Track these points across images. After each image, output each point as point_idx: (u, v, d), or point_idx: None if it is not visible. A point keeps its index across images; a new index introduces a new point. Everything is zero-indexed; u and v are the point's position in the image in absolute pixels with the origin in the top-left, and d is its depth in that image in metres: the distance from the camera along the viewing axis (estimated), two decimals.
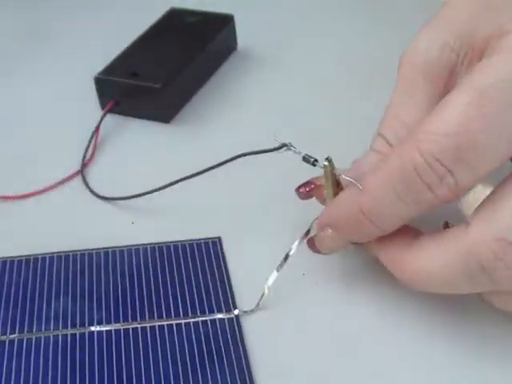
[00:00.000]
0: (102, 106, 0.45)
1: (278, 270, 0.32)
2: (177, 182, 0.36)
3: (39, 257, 0.35)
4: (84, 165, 0.41)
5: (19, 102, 0.48)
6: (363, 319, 0.31)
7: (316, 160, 0.31)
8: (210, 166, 0.35)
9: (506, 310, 0.29)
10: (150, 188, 0.37)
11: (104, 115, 0.44)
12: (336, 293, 0.33)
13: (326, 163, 0.31)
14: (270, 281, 0.32)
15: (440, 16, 0.31)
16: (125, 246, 0.35)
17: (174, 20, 0.49)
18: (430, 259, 0.29)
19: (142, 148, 0.43)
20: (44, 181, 0.40)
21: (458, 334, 0.30)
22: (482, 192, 0.30)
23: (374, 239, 0.31)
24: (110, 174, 0.41)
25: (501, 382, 0.29)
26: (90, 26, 0.55)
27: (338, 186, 0.31)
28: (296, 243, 0.33)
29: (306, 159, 0.32)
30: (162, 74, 0.44)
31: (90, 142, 0.42)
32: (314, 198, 0.34)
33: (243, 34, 0.50)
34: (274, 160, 0.33)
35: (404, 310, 0.31)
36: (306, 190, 0.34)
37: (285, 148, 0.32)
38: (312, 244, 0.33)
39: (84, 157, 0.41)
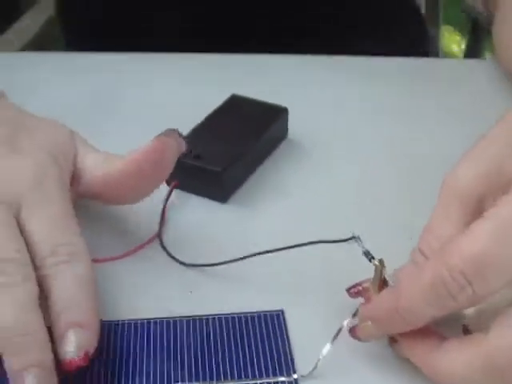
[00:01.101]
0: (168, 183, 0.50)
1: (331, 343, 0.37)
2: (252, 255, 0.41)
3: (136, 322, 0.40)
4: (155, 235, 0.46)
5: None
6: None
7: (373, 257, 0.37)
8: (281, 247, 0.40)
9: None
10: (210, 258, 0.42)
11: (169, 194, 0.49)
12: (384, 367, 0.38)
13: (378, 263, 0.37)
14: (324, 351, 0.37)
15: (478, 149, 0.37)
16: (202, 315, 0.40)
17: (234, 106, 0.55)
18: (454, 361, 0.34)
19: (202, 223, 0.48)
20: (124, 247, 0.45)
21: None
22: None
23: (406, 343, 0.36)
24: (174, 244, 0.46)
25: None
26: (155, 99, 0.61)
27: (383, 284, 0.37)
28: (346, 321, 0.38)
29: (365, 254, 0.38)
30: (222, 158, 0.49)
31: (161, 216, 0.47)
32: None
33: (294, 124, 0.56)
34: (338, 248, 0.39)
35: None
36: (355, 292, 0.39)
37: (353, 239, 0.38)
38: (354, 332, 0.38)
39: (160, 226, 0.47)
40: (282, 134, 0.55)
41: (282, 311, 0.41)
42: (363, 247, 0.38)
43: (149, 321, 0.40)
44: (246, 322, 0.40)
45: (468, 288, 0.32)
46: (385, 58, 0.68)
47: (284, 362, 0.37)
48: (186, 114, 0.53)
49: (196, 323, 0.40)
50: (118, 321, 0.40)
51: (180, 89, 0.62)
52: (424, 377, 0.36)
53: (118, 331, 0.39)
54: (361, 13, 0.83)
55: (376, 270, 0.37)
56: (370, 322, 0.37)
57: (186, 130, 0.52)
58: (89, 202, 0.46)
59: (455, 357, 0.34)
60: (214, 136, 0.52)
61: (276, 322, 0.40)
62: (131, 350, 0.38)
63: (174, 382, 0.36)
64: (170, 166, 0.43)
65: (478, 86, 0.64)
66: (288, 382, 0.37)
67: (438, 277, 0.33)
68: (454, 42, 2.17)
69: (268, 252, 0.41)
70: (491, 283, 0.32)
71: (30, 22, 1.09)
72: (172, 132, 0.43)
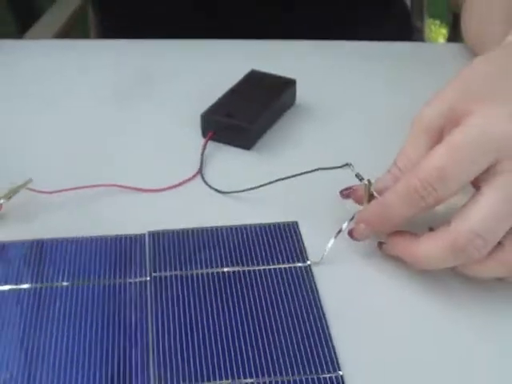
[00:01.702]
0: (204, 135, 0.64)
1: (334, 237, 0.52)
2: (269, 183, 0.56)
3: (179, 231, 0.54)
4: (198, 172, 0.60)
5: (144, 127, 0.67)
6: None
7: (363, 178, 0.51)
8: (292, 174, 0.54)
9: (474, 276, 0.48)
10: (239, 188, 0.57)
11: (206, 143, 0.63)
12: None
13: (367, 183, 0.51)
14: (329, 244, 0.51)
15: (439, 94, 0.51)
16: (231, 225, 0.54)
17: (253, 79, 0.69)
18: (428, 247, 0.48)
19: (232, 164, 0.62)
20: (172, 180, 0.59)
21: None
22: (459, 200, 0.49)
23: (391, 242, 0.51)
24: (213, 179, 0.60)
25: None
26: (188, 76, 0.75)
27: (371, 198, 0.51)
28: (345, 224, 0.52)
29: (357, 176, 0.52)
30: (247, 116, 0.63)
31: (201, 157, 0.62)
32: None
33: (300, 93, 0.70)
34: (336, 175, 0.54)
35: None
36: (346, 193, 0.54)
37: (346, 166, 0.52)
38: (351, 233, 0.52)
39: (201, 165, 0.61)
40: (291, 100, 0.69)
41: (297, 222, 0.55)
42: (355, 171, 0.52)
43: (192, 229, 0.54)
44: (269, 230, 0.54)
45: (433, 192, 0.46)
46: (381, 43, 0.82)
47: (299, 252, 0.52)
48: (216, 85, 0.67)
49: (228, 231, 0.54)
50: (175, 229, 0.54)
51: (208, 67, 0.76)
52: (404, 266, 0.50)
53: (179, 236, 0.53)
54: (348, 9, 0.96)
55: (365, 188, 0.51)
56: (363, 225, 0.51)
57: (218, 96, 0.66)
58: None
59: (429, 243, 0.48)
60: (239, 100, 0.66)
61: (292, 229, 0.54)
62: (187, 243, 0.52)
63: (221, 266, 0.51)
64: None
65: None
66: (303, 266, 0.51)
67: (412, 186, 0.47)
68: (440, 35, 2.31)
69: (282, 179, 0.56)
70: (450, 188, 0.46)
71: (52, 20, 1.21)
72: None
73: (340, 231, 0.52)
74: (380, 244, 0.52)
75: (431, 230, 0.50)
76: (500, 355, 0.46)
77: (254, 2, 0.90)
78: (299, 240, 0.53)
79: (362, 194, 0.52)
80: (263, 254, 0.52)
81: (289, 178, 0.55)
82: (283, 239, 0.53)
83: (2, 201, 0.56)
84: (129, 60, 0.78)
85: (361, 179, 0.52)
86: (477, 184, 0.47)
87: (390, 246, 0.51)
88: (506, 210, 0.46)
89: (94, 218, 0.56)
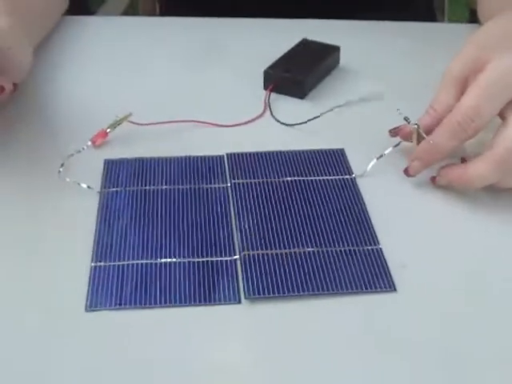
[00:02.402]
0: (265, 87, 0.79)
1: (377, 159, 0.66)
2: (318, 116, 0.70)
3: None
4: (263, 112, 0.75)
5: (219, 83, 0.82)
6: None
7: (411, 121, 0.66)
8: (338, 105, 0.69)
9: None
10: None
11: (270, 92, 0.78)
12: None
13: (416, 126, 0.65)
14: (371, 164, 0.66)
15: (462, 50, 0.65)
16: (288, 151, 0.69)
17: (305, 45, 0.84)
18: (478, 167, 0.61)
19: (290, 109, 0.77)
20: (241, 118, 0.74)
21: None
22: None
23: (443, 174, 0.64)
24: (277, 117, 0.74)
25: None
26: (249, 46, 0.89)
27: (420, 139, 0.65)
28: (388, 150, 0.66)
29: (405, 119, 0.66)
30: (301, 72, 0.78)
31: (265, 102, 0.76)
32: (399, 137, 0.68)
33: (342, 58, 0.84)
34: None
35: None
36: (395, 132, 0.68)
37: (398, 112, 0.66)
38: (407, 171, 0.66)
39: (266, 106, 0.76)
40: (335, 63, 0.84)
41: (343, 149, 0.69)
42: (403, 115, 0.66)
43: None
44: (321, 154, 0.69)
45: (472, 123, 0.61)
46: (408, 23, 0.96)
47: (346, 168, 0.66)
48: (275, 51, 0.82)
49: (289, 154, 0.69)
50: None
51: (268, 37, 0.91)
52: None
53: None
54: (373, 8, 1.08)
55: (415, 130, 0.65)
56: (417, 162, 0.65)
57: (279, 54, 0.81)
58: None
59: (477, 165, 0.61)
60: (294, 60, 0.80)
61: (340, 153, 0.69)
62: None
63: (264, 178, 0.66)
64: None
65: None
66: (348, 178, 0.65)
67: (455, 121, 0.61)
68: None
69: (330, 110, 0.71)
70: (484, 119, 0.61)
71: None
72: None
73: (382, 155, 0.66)
74: (433, 178, 0.65)
75: (463, 160, 0.64)
76: None
77: None
78: (346, 161, 0.68)
79: (408, 131, 0.66)
80: (318, 169, 0.67)
81: (337, 107, 0.71)
82: (333, 160, 0.68)
83: (108, 130, 0.71)
84: (196, 34, 0.93)
85: (409, 122, 0.66)
86: (502, 115, 0.61)
87: (443, 177, 0.64)
88: None
89: (181, 143, 0.71)
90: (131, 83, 0.82)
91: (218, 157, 0.69)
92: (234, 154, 0.69)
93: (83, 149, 0.69)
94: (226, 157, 0.69)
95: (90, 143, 0.70)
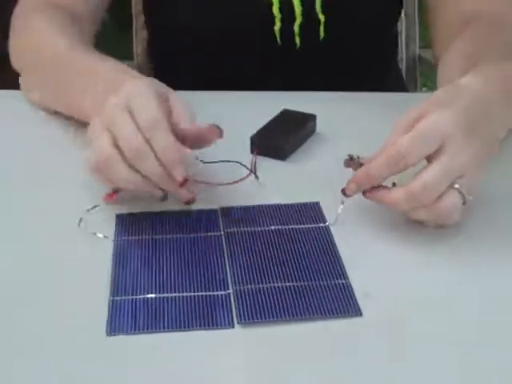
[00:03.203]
0: (252, 151, 0.91)
1: (342, 203, 0.79)
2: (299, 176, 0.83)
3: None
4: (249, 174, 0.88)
5: (210, 150, 0.94)
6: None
7: (353, 155, 0.79)
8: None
9: (419, 217, 0.76)
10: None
11: (256, 155, 0.90)
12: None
13: (355, 157, 0.78)
14: (339, 209, 0.78)
15: (414, 107, 0.78)
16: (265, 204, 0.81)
17: (285, 115, 0.97)
18: (395, 195, 0.75)
19: (272, 169, 0.89)
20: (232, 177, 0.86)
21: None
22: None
23: (371, 192, 0.77)
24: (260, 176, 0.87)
25: None
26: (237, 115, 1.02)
27: (358, 166, 0.78)
28: (343, 203, 0.79)
29: (349, 155, 0.80)
30: (283, 139, 0.91)
31: (252, 163, 0.89)
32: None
33: (319, 125, 0.98)
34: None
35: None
36: (347, 164, 0.80)
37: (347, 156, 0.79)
38: (344, 191, 0.78)
39: (252, 167, 0.88)
40: (313, 129, 0.97)
41: (318, 202, 0.82)
42: (348, 155, 0.80)
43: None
44: (299, 206, 0.81)
45: (403, 159, 0.74)
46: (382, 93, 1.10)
47: (321, 218, 0.79)
48: (260, 118, 0.95)
49: (272, 207, 0.81)
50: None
51: (252, 108, 1.04)
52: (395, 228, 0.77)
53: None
54: (348, 77, 1.20)
55: (355, 160, 0.79)
56: (353, 184, 0.77)
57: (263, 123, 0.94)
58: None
59: (397, 192, 0.75)
60: (276, 128, 0.94)
61: (315, 206, 0.82)
62: None
63: None
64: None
65: None
66: (324, 226, 0.78)
67: (389, 155, 0.74)
68: None
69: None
70: (413, 158, 0.74)
71: None
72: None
73: (343, 202, 0.79)
74: (364, 193, 0.78)
75: (394, 184, 0.77)
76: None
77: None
78: (321, 212, 0.81)
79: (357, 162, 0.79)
80: (297, 219, 0.79)
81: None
82: (310, 211, 0.81)
83: (119, 190, 0.84)
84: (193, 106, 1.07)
85: (352, 157, 0.80)
86: (429, 159, 0.75)
87: (371, 194, 0.77)
88: (445, 176, 0.74)
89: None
90: None
91: (212, 210, 0.81)
92: (226, 207, 0.81)
93: (98, 205, 0.82)
94: (219, 210, 0.81)
95: (103, 200, 0.82)
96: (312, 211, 0.81)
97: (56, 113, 0.99)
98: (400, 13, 1.33)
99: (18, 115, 1.04)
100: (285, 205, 0.82)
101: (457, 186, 0.74)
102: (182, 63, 1.22)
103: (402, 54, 1.63)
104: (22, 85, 1.05)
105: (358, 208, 0.80)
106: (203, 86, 1.07)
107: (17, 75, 1.06)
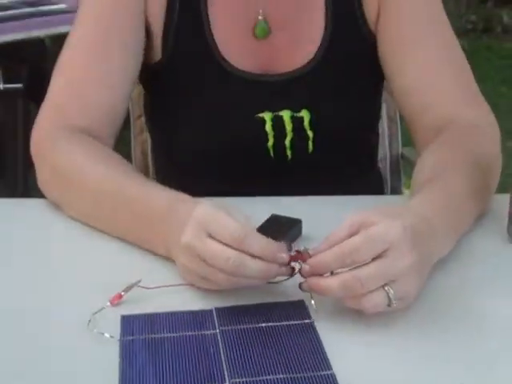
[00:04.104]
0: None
1: (312, 298, 0.87)
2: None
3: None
4: None
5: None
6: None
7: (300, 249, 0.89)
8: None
9: (354, 305, 0.86)
10: None
11: None
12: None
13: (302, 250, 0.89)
14: (312, 302, 0.87)
15: (365, 211, 0.88)
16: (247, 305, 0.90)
17: (274, 220, 1.06)
18: (329, 282, 0.85)
19: None
20: None
21: None
22: None
23: (308, 280, 0.87)
24: None
25: None
26: None
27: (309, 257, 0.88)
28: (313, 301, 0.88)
29: (297, 250, 0.89)
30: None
31: None
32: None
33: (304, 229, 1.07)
34: None
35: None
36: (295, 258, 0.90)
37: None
38: (300, 286, 0.88)
39: None
40: (299, 233, 1.07)
41: (302, 300, 0.91)
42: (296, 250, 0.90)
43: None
44: (285, 304, 0.90)
45: (350, 257, 0.84)
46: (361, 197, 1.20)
47: (306, 315, 0.88)
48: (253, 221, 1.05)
49: (250, 307, 0.90)
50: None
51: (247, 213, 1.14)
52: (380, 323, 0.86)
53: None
54: (333, 182, 1.29)
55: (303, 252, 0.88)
56: (307, 267, 0.86)
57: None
58: None
59: (331, 280, 0.85)
60: (265, 234, 1.02)
61: (300, 304, 0.90)
62: None
63: None
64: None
65: None
66: (309, 322, 0.86)
67: (339, 251, 0.85)
68: None
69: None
70: (358, 259, 0.84)
71: None
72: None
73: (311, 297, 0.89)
74: (300, 284, 0.88)
75: (332, 273, 0.86)
76: None
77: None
78: (305, 309, 0.89)
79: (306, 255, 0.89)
80: (284, 316, 0.88)
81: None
82: (296, 309, 0.89)
83: (123, 293, 0.92)
84: None
85: (299, 250, 0.89)
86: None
87: (307, 284, 0.87)
88: (379, 277, 0.83)
89: (180, 299, 0.92)
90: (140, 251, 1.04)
91: (208, 310, 0.90)
92: (221, 307, 0.90)
93: (104, 308, 0.90)
94: (214, 310, 0.90)
95: (109, 303, 0.91)
96: (297, 308, 0.89)
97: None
98: (379, 117, 1.44)
99: (28, 220, 1.14)
100: (273, 303, 0.91)
101: (387, 288, 0.84)
102: (178, 172, 1.32)
103: (386, 152, 1.75)
104: (58, 203, 1.14)
105: (340, 304, 0.89)
106: (195, 192, 1.17)
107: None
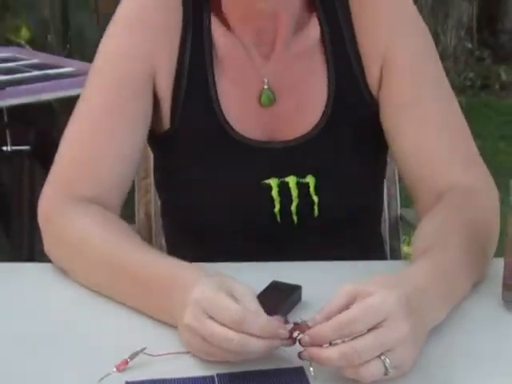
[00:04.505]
0: None
1: (311, 366, 0.90)
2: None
3: None
4: None
5: None
6: None
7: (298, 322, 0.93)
8: None
9: (352, 375, 0.90)
10: None
11: None
12: None
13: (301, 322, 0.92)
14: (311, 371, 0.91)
15: (363, 281, 0.93)
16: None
17: (275, 286, 1.10)
18: (329, 352, 0.88)
19: None
20: None
21: None
22: None
23: (308, 350, 0.90)
24: None
25: None
26: None
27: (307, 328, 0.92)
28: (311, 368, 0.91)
29: (296, 323, 0.93)
30: (271, 310, 1.03)
31: None
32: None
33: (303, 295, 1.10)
34: None
35: None
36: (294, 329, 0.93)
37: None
38: (300, 355, 0.91)
39: None
40: (299, 298, 1.10)
41: (302, 367, 0.94)
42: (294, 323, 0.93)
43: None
44: (284, 372, 0.93)
45: (347, 328, 0.87)
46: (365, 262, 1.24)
47: (304, 381, 0.90)
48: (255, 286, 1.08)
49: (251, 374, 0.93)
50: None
51: (248, 279, 1.17)
52: None
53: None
54: (336, 246, 1.29)
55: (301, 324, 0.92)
56: (307, 337, 0.90)
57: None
58: None
59: (331, 350, 0.88)
60: (265, 301, 1.05)
61: (300, 371, 0.93)
62: None
63: None
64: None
65: None
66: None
67: (337, 322, 0.88)
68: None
69: None
70: (355, 329, 0.87)
71: None
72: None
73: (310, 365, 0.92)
74: (299, 354, 0.91)
75: (330, 344, 0.89)
76: None
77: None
78: (305, 376, 0.92)
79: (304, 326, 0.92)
80: (285, 381, 0.91)
81: None
82: (294, 375, 0.92)
83: (129, 359, 0.95)
84: None
85: (297, 322, 0.93)
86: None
87: (307, 353, 0.90)
88: (376, 347, 0.87)
89: (181, 363, 0.95)
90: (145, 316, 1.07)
91: (210, 376, 0.93)
92: (223, 373, 0.94)
93: (110, 373, 0.93)
94: (216, 377, 0.93)
95: (115, 369, 0.94)
96: (297, 375, 0.92)
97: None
98: (383, 180, 1.47)
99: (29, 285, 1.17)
100: (274, 369, 0.94)
101: (383, 357, 0.88)
102: (186, 234, 1.36)
103: (385, 213, 1.78)
104: (65, 269, 1.17)
105: (337, 371, 0.91)
106: (202, 254, 1.19)
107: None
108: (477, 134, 1.30)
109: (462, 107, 1.29)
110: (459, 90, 5.07)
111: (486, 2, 5.97)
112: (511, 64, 5.97)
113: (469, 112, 1.34)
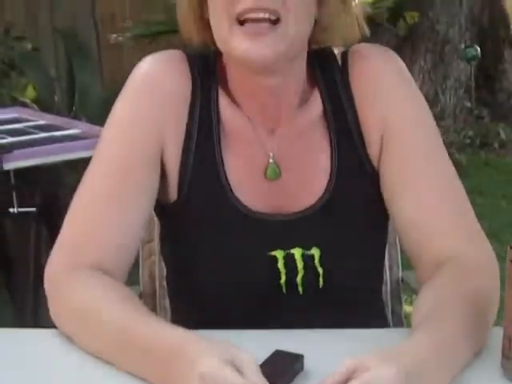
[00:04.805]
0: None
1: None
2: None
3: None
4: None
5: None
6: None
7: None
8: None
9: None
10: None
11: None
12: None
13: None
14: None
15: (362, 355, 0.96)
16: None
17: (278, 355, 1.11)
18: None
19: None
20: None
21: None
22: None
23: None
24: None
25: None
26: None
27: None
28: None
29: None
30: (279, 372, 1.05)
31: None
32: None
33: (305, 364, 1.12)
34: None
35: None
36: None
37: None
38: None
39: None
40: (301, 367, 1.11)
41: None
42: None
43: None
44: None
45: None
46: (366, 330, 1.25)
47: None
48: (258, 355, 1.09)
49: None
50: None
51: (251, 348, 1.18)
52: None
53: None
54: (339, 314, 1.30)
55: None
56: None
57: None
58: None
59: None
60: (268, 371, 1.06)
61: None
62: None
63: None
64: None
65: None
66: None
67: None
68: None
69: None
70: None
71: None
72: None
73: None
74: None
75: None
76: None
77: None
78: None
79: None
80: None
81: None
82: None
83: None
84: None
85: None
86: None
87: None
88: None
89: None
90: None
91: None
92: None
93: None
94: None
95: None
96: None
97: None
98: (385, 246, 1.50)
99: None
100: None
101: None
102: (192, 301, 1.38)
103: (386, 277, 1.79)
104: (70, 336, 1.19)
105: None
106: (207, 321, 1.22)
107: None
108: (478, 192, 1.31)
109: (462, 165, 1.33)
110: (459, 148, 5.11)
111: (483, 61, 6.06)
112: (510, 122, 6.04)
113: (469, 170, 1.36)
